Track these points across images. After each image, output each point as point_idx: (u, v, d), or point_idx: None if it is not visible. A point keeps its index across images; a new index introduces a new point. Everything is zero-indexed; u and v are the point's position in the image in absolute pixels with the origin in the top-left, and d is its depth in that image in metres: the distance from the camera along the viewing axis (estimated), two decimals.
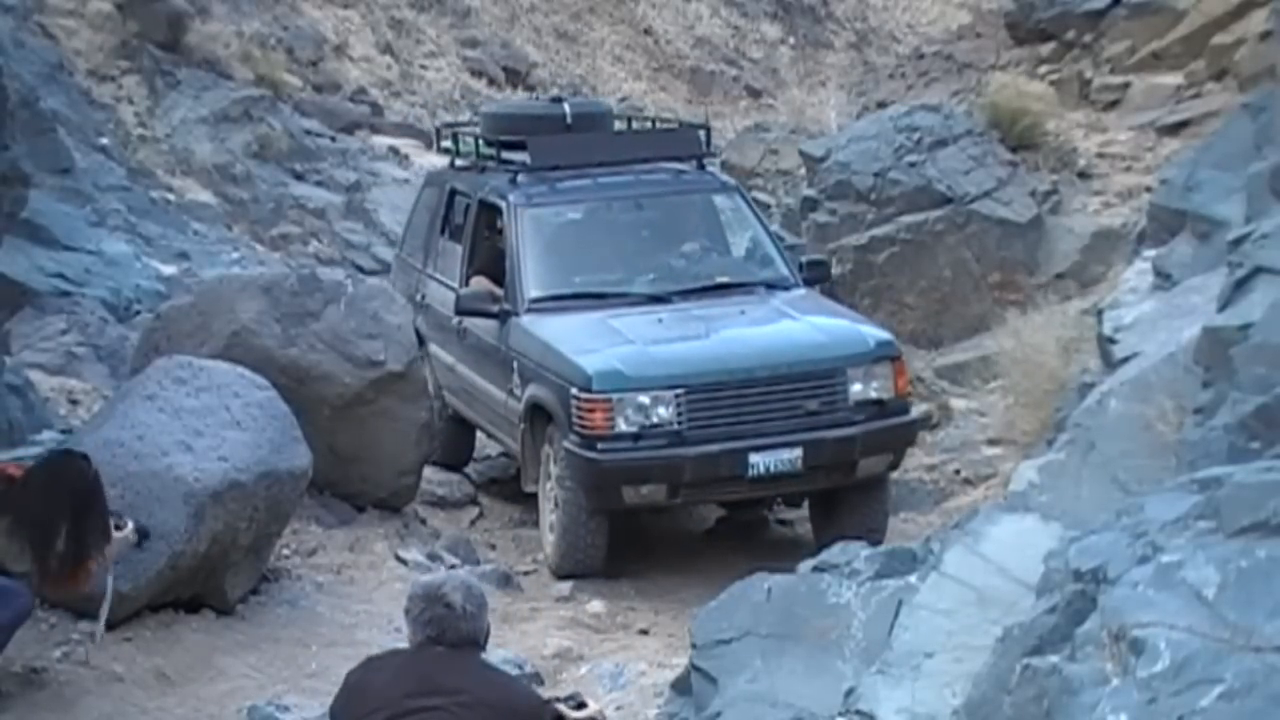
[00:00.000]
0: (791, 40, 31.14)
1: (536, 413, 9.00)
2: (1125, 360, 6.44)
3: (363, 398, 8.73)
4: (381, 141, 22.08)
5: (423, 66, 26.27)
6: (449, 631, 4.19)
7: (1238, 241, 5.81)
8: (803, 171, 13.81)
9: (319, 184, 18.76)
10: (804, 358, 8.71)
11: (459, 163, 11.13)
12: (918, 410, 9.61)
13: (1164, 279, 6.92)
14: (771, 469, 8.55)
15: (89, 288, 11.59)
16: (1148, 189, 10.76)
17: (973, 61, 15.78)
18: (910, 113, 13.05)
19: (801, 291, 9.64)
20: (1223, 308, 5.59)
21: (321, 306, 8.73)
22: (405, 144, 22.48)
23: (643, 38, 29.43)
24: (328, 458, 8.32)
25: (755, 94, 28.85)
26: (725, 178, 11.05)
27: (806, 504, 9.42)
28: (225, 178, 17.82)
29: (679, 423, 8.49)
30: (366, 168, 19.63)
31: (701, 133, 10.50)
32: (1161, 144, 12.55)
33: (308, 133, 19.53)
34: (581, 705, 4.45)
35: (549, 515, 8.96)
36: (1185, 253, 6.91)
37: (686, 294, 9.43)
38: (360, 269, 16.19)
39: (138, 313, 11.48)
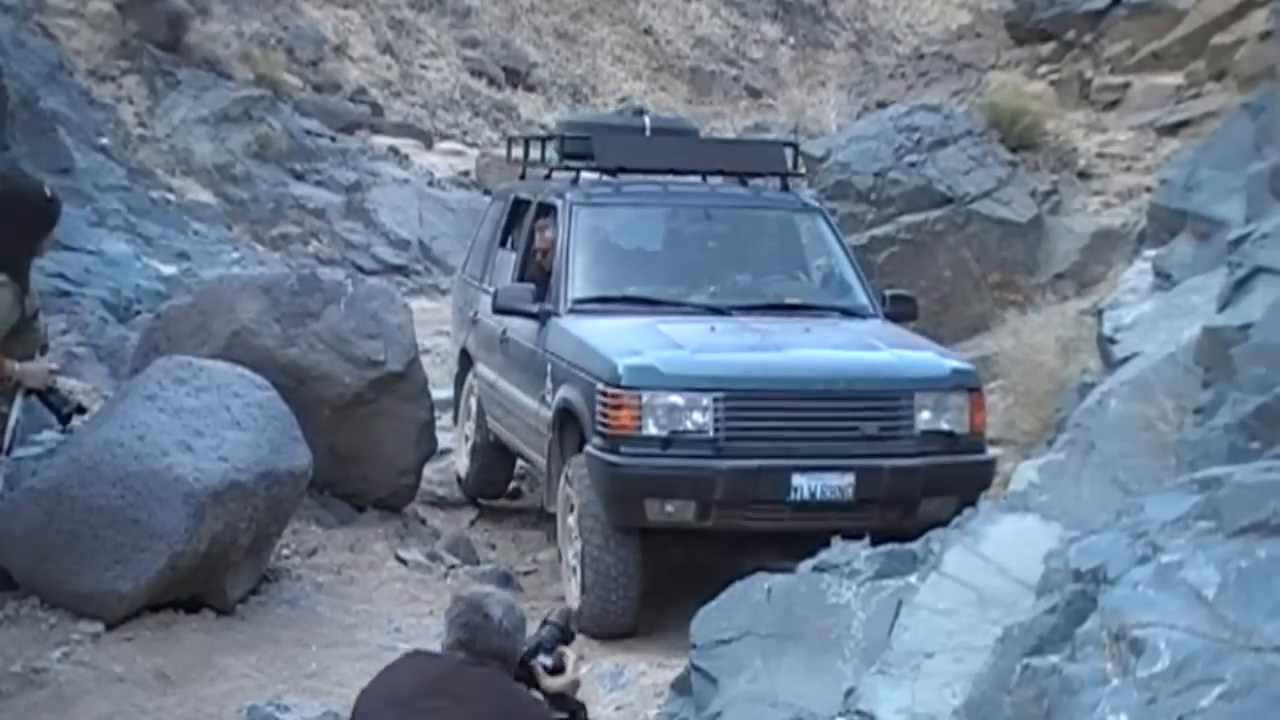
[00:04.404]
0: (791, 40, 31.16)
1: (566, 419, 8.14)
2: (1125, 360, 6.43)
3: (363, 398, 8.73)
4: (381, 141, 22.15)
5: (423, 66, 26.30)
6: (479, 640, 4.22)
7: (1238, 241, 5.81)
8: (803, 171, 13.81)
9: (319, 184, 18.80)
10: (866, 375, 7.79)
11: (529, 174, 10.37)
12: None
13: (1164, 279, 6.91)
14: (817, 495, 7.53)
15: (89, 288, 11.59)
16: (1148, 189, 10.75)
17: (973, 61, 15.80)
18: (910, 113, 13.04)
19: (879, 322, 8.74)
20: (1223, 308, 5.59)
21: (321, 306, 8.73)
22: (405, 144, 22.55)
23: (643, 38, 29.46)
24: (328, 458, 8.32)
25: (755, 94, 28.87)
26: (808, 199, 10.21)
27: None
28: (225, 178, 17.86)
29: (715, 431, 7.52)
30: (366, 168, 19.66)
31: (789, 150, 9.72)
32: (1161, 144, 12.55)
33: (308, 133, 19.57)
34: (559, 670, 4.46)
35: (571, 552, 8.05)
36: (1185, 253, 6.90)
37: (748, 310, 8.55)
38: (360, 269, 16.24)
39: (138, 313, 11.48)
